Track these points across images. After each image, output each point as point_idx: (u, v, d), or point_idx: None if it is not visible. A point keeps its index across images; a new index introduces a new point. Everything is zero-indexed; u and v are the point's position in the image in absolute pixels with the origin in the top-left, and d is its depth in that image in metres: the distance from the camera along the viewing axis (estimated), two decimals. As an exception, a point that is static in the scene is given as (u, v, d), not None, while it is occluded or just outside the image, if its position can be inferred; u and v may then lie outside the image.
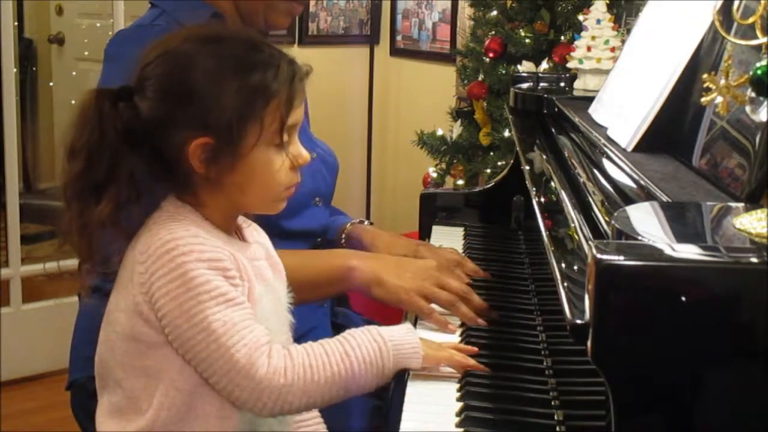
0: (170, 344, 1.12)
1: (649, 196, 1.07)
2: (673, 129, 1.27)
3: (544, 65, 2.86)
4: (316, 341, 1.18)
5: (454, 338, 1.42)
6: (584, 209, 1.19)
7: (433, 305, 1.48)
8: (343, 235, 1.78)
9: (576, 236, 1.12)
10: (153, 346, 1.13)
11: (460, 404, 1.21)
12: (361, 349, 1.17)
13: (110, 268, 1.18)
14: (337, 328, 1.71)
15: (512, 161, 2.05)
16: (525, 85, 2.02)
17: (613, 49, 1.87)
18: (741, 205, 0.97)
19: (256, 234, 1.28)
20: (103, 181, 1.13)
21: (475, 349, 1.31)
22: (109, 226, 1.14)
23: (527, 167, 1.63)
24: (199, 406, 1.14)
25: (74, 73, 4.68)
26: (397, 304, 1.49)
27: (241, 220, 1.26)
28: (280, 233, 1.51)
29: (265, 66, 1.14)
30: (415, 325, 1.48)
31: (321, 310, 1.66)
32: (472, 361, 1.27)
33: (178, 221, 1.14)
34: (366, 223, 1.82)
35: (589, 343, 0.83)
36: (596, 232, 1.09)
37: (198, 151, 1.13)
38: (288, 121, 1.16)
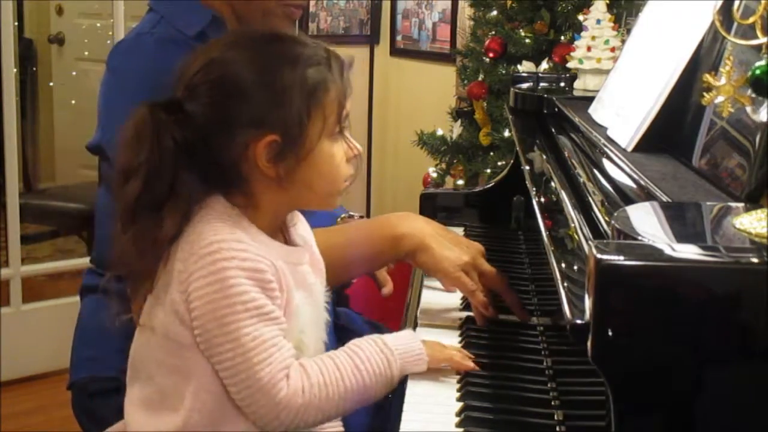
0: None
1: (649, 196, 1.07)
2: (673, 129, 1.27)
3: (544, 65, 2.87)
4: (325, 354, 1.19)
5: (454, 340, 1.42)
6: (584, 209, 1.19)
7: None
8: None
9: (576, 236, 1.12)
10: (187, 347, 1.12)
11: (460, 404, 1.21)
12: (371, 361, 1.17)
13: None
14: (338, 329, 1.71)
15: (512, 161, 2.05)
16: (525, 85, 2.02)
17: (613, 49, 1.87)
18: (741, 205, 0.97)
19: (301, 228, 1.27)
20: (165, 198, 1.11)
21: (476, 366, 1.29)
22: (173, 241, 1.12)
23: (527, 167, 1.63)
24: (231, 412, 1.13)
25: (74, 73, 4.68)
26: (436, 274, 1.46)
27: (288, 218, 1.25)
28: None
29: (317, 60, 1.15)
30: (415, 325, 1.48)
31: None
32: (470, 364, 1.27)
33: (224, 222, 1.13)
34: (356, 217, 1.81)
35: (589, 343, 0.83)
36: (596, 232, 1.09)
37: (264, 151, 1.12)
38: (346, 107, 1.17)
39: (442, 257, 1.44)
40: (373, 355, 1.18)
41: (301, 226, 1.28)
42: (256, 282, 1.10)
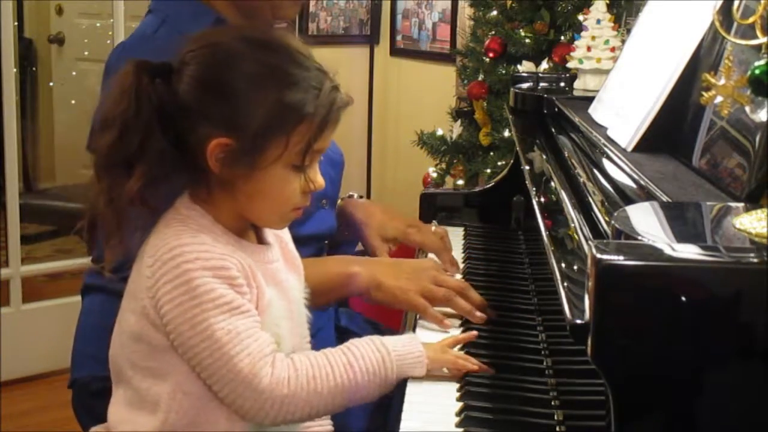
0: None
1: (649, 196, 1.07)
2: (673, 129, 1.27)
3: (544, 65, 2.87)
4: (319, 350, 1.19)
5: (455, 331, 1.42)
6: (584, 209, 1.19)
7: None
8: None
9: (576, 236, 1.12)
10: (161, 350, 1.13)
11: (460, 404, 1.21)
12: (365, 359, 1.17)
13: (131, 250, 1.17)
14: (339, 330, 1.71)
15: (512, 161, 2.05)
16: (525, 85, 2.02)
17: (613, 49, 1.87)
18: (741, 205, 0.97)
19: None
20: (135, 156, 1.12)
21: (477, 367, 1.29)
22: (138, 202, 1.12)
23: (527, 167, 1.63)
24: (209, 411, 1.13)
25: (74, 73, 4.68)
26: (395, 305, 1.49)
27: None
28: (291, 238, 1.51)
29: (307, 85, 1.14)
30: (414, 327, 1.48)
31: (326, 314, 1.67)
32: (473, 366, 1.27)
33: (187, 225, 1.14)
34: (356, 196, 1.82)
35: (589, 343, 0.83)
36: (596, 232, 1.09)
37: (217, 149, 1.12)
38: (314, 145, 1.15)
39: (394, 288, 1.48)
40: (368, 353, 1.18)
41: None
42: (222, 279, 1.11)
